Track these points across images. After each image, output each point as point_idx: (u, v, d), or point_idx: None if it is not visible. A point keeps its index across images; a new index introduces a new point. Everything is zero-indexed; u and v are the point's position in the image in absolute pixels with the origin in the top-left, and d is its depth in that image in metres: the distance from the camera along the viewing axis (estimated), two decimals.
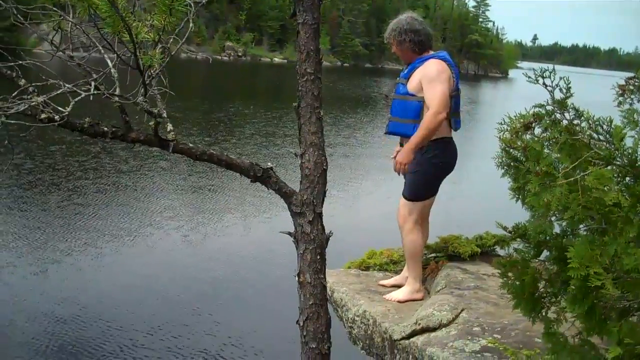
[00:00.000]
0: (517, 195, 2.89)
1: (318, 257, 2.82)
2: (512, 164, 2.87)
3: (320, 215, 2.84)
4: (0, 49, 2.46)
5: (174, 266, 10.05)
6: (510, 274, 2.92)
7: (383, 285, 5.18)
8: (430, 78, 4.66)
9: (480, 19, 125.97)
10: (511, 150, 2.84)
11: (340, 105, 34.72)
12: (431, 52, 4.86)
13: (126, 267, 9.85)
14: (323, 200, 2.86)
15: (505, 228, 2.99)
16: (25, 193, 13.03)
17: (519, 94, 56.88)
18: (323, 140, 2.82)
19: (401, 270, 5.50)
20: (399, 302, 4.86)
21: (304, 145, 2.80)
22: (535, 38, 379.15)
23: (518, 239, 2.95)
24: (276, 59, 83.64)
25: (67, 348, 7.31)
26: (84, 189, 13.68)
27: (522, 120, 2.70)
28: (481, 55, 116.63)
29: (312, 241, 2.81)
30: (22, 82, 2.35)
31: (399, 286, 5.07)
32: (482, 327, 3.91)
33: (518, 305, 2.94)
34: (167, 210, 12.90)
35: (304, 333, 2.85)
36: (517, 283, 2.89)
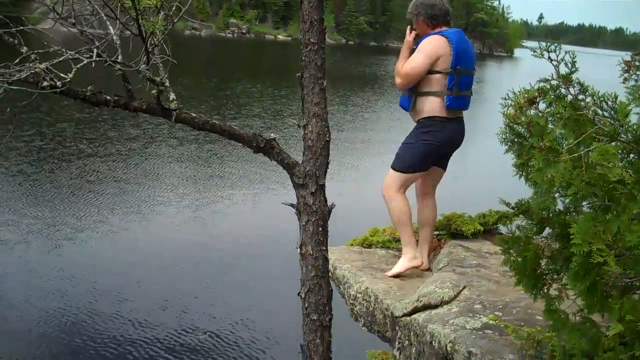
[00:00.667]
0: (520, 172, 2.87)
1: (320, 229, 2.81)
2: (515, 140, 2.85)
3: (322, 186, 2.82)
4: (2, 18, 2.43)
5: (182, 241, 10.20)
6: (512, 251, 2.92)
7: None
8: (418, 49, 4.72)
9: None
10: (515, 126, 2.82)
11: (348, 84, 34.61)
12: (444, 28, 4.83)
13: (137, 242, 9.98)
14: (326, 171, 2.84)
15: (508, 204, 2.98)
16: (36, 170, 13.08)
17: (524, 72, 56.66)
18: (326, 111, 2.78)
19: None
20: (400, 274, 4.87)
21: (307, 116, 2.76)
22: (541, 17, 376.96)
23: (521, 216, 2.94)
24: (280, 37, 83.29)
25: (80, 322, 7.42)
26: (94, 167, 13.73)
27: (526, 95, 2.67)
28: (486, 34, 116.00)
29: (315, 213, 2.79)
30: (24, 49, 2.33)
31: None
32: (484, 304, 3.90)
33: (520, 281, 2.94)
34: (175, 186, 13.00)
35: (305, 305, 2.84)
36: (519, 260, 2.88)
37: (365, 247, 5.57)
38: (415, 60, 4.68)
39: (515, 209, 2.93)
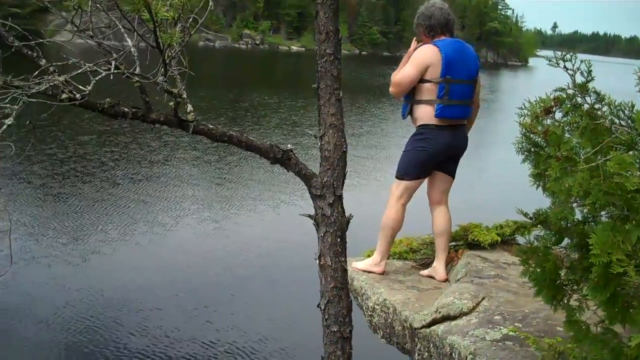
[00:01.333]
0: (537, 182, 2.85)
1: (338, 240, 2.79)
2: (532, 149, 2.84)
3: (340, 197, 2.80)
4: (21, 31, 2.44)
5: (203, 252, 10.27)
6: (531, 262, 2.89)
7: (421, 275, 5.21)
8: (410, 59, 4.89)
9: (500, 7, 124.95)
10: (531, 135, 2.80)
11: (364, 94, 34.61)
12: (443, 38, 4.93)
13: (159, 254, 10.06)
14: (343, 182, 2.83)
15: (525, 214, 2.96)
16: (60, 183, 13.18)
17: (539, 81, 56.43)
18: (343, 122, 2.78)
19: (421, 259, 5.48)
20: (357, 269, 5.14)
21: (324, 126, 2.75)
22: (555, 26, 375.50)
23: (539, 226, 2.91)
24: (294, 47, 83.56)
25: (105, 333, 7.49)
26: (117, 179, 13.83)
27: (542, 105, 2.66)
28: (500, 44, 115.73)
29: (333, 224, 2.77)
30: (43, 62, 2.34)
31: (432, 277, 5.11)
32: (503, 315, 3.87)
33: (539, 292, 2.91)
34: (197, 198, 13.10)
35: (326, 317, 2.82)
36: (538, 270, 2.86)
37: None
38: (404, 70, 4.86)
39: (533, 219, 2.91)
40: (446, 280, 5.01)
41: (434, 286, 4.94)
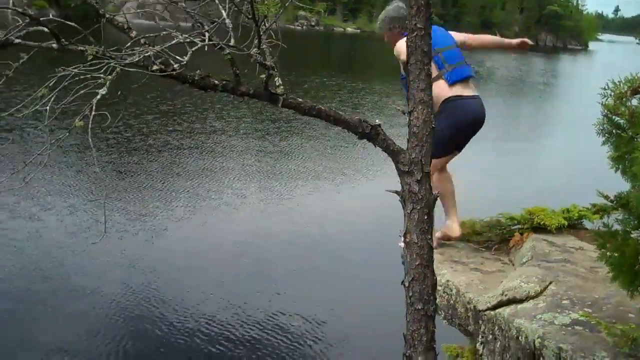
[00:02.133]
0: (617, 165, 2.79)
1: (425, 217, 2.75)
2: (614, 131, 2.77)
3: (428, 174, 2.77)
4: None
5: (277, 230, 10.28)
6: (608, 246, 2.84)
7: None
8: (403, 57, 5.06)
9: None
10: (614, 117, 2.74)
11: None
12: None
13: (228, 231, 10.09)
14: (431, 159, 2.81)
15: (606, 197, 2.90)
16: (127, 160, 13.35)
17: (600, 66, 55.08)
18: (432, 98, 2.76)
19: (484, 241, 5.45)
20: (437, 238, 5.27)
21: (413, 102, 2.72)
22: (617, 10, 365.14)
23: (619, 209, 2.86)
24: (349, 29, 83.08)
25: (174, 304, 7.61)
26: (181, 158, 13.91)
27: (629, 85, 2.59)
28: (560, 27, 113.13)
29: (420, 201, 2.74)
30: (134, 33, 2.36)
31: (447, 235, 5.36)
32: (572, 300, 3.81)
33: (616, 278, 2.86)
34: (263, 177, 13.14)
35: (410, 294, 2.79)
36: (616, 255, 2.80)
37: (445, 241, 5.53)
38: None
39: (615, 202, 2.85)
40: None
41: (497, 269, 4.90)
